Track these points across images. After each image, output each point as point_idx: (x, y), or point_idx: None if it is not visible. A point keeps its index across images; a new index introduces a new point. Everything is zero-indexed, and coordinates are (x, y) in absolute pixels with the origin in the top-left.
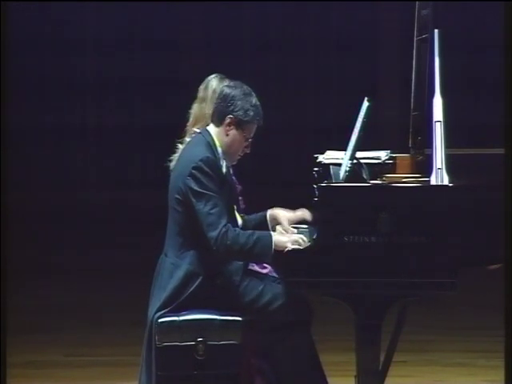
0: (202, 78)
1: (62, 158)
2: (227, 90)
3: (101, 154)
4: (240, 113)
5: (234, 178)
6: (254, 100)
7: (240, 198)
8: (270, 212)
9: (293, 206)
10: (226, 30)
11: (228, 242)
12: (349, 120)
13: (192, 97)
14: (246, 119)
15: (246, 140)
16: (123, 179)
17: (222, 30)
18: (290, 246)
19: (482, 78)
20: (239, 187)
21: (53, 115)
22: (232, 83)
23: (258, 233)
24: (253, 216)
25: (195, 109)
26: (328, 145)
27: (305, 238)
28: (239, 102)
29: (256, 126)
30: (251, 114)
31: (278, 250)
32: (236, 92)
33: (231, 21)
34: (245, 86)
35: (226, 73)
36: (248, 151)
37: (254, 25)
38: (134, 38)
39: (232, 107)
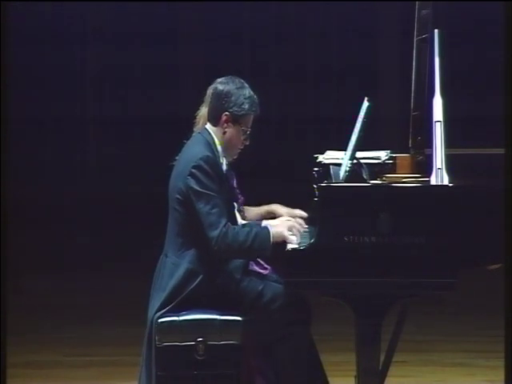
0: (201, 71)
1: (61, 152)
2: (220, 87)
3: (101, 146)
4: (235, 108)
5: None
6: (248, 92)
7: (238, 190)
8: (267, 208)
9: (291, 201)
10: (225, 21)
11: (228, 241)
12: (348, 114)
13: (192, 89)
14: (241, 113)
15: (244, 133)
16: (123, 173)
17: (220, 21)
18: (287, 235)
19: (484, 75)
20: (236, 188)
21: (52, 108)
22: (224, 79)
23: (255, 228)
24: (254, 209)
25: (202, 111)
26: (327, 139)
27: (301, 221)
28: (233, 98)
29: (253, 116)
30: (246, 106)
31: (278, 246)
32: (228, 87)
33: (230, 12)
34: (237, 80)
35: (224, 64)
36: (247, 143)
37: (254, 18)
38: (133, 31)
39: (226, 104)
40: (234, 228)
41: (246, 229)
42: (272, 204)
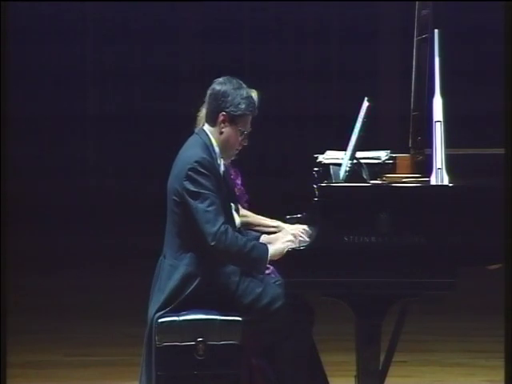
0: (201, 68)
1: (61, 147)
2: (217, 87)
3: (101, 142)
4: (232, 108)
5: (235, 171)
6: (245, 92)
7: (241, 188)
8: (272, 223)
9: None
10: (225, 19)
11: (227, 242)
12: (348, 114)
13: (192, 89)
14: (238, 113)
15: (242, 134)
16: (123, 172)
17: (220, 19)
18: (288, 248)
19: (484, 75)
20: (240, 187)
21: (52, 104)
22: (221, 79)
23: (254, 241)
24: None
25: (203, 112)
26: (327, 139)
27: (302, 228)
28: (229, 98)
29: (250, 117)
30: (243, 106)
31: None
32: (225, 87)
33: (230, 10)
34: (234, 80)
35: (225, 62)
36: (245, 143)
37: (254, 15)
38: (134, 28)
39: (223, 104)
40: (234, 232)
41: (245, 238)
42: (277, 221)
